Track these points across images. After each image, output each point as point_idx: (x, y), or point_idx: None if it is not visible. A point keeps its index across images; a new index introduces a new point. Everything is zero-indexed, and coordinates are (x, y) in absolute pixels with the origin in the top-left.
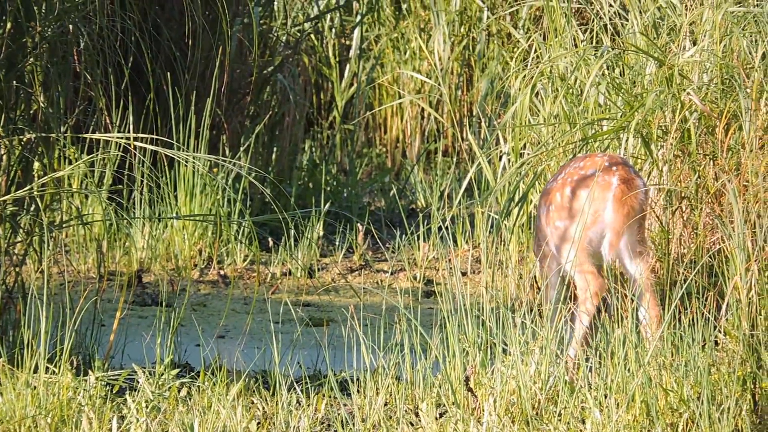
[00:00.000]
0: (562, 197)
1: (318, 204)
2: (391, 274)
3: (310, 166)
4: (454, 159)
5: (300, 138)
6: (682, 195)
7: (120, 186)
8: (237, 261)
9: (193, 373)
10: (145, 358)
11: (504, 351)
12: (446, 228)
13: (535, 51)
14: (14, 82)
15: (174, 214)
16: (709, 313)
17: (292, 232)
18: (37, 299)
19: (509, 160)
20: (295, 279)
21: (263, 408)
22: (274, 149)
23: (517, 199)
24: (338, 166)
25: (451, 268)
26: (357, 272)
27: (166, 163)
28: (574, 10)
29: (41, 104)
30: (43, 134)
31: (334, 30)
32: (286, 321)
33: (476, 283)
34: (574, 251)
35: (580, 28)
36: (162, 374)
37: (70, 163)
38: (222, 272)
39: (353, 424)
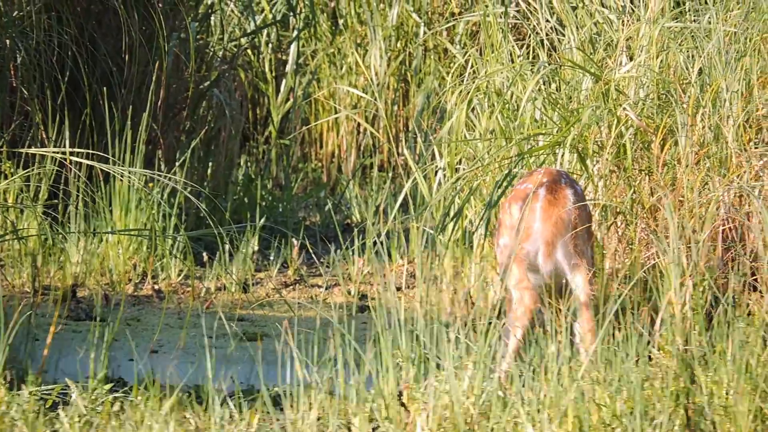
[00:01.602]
0: (510, 216)
1: (253, 219)
2: (326, 288)
3: (245, 181)
4: (390, 174)
5: (236, 153)
6: (618, 210)
7: (55, 200)
8: (171, 276)
9: (126, 388)
10: (78, 372)
11: (437, 366)
12: (381, 243)
13: (472, 66)
14: None
15: (109, 229)
16: (643, 328)
17: (227, 246)
18: None
19: (445, 175)
20: (230, 294)
21: (196, 423)
22: (210, 164)
23: (452, 214)
24: (274, 181)
25: (385, 283)
26: (291, 287)
27: (101, 178)
28: (510, 26)
29: None
30: None
31: (270, 45)
32: (220, 336)
33: (410, 298)
34: (511, 267)
35: (517, 44)
36: (95, 389)
37: (6, 177)
38: (156, 287)
39: None
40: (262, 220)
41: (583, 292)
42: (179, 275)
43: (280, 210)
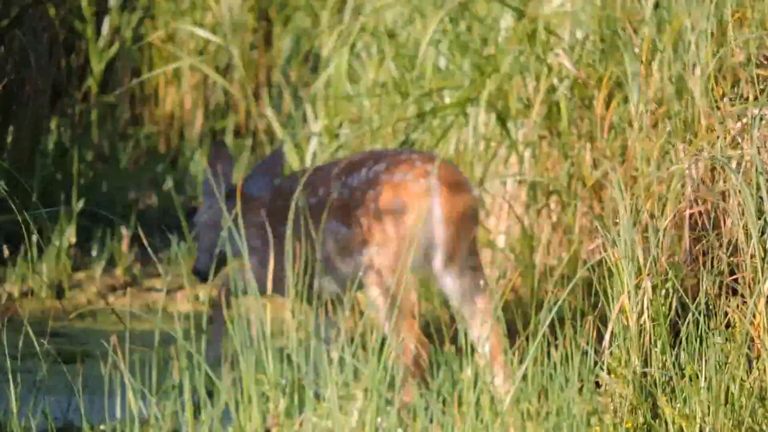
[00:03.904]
0: (368, 211)
1: (69, 201)
2: (166, 293)
3: (57, 152)
4: (249, 142)
5: (44, 114)
6: (551, 189)
7: None
8: None
9: None
10: None
11: (316, 395)
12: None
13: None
14: None
15: None
16: (587, 344)
17: (35, 238)
18: None
19: (321, 143)
20: (39, 300)
21: None
22: (10, 129)
23: None
24: (95, 151)
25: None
26: (121, 291)
27: None
28: None
29: None
30: None
31: None
32: (28, 356)
33: (279, 306)
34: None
35: None
36: None
37: None
38: None
39: None
40: (81, 203)
41: (486, 298)
42: None
43: (105, 189)
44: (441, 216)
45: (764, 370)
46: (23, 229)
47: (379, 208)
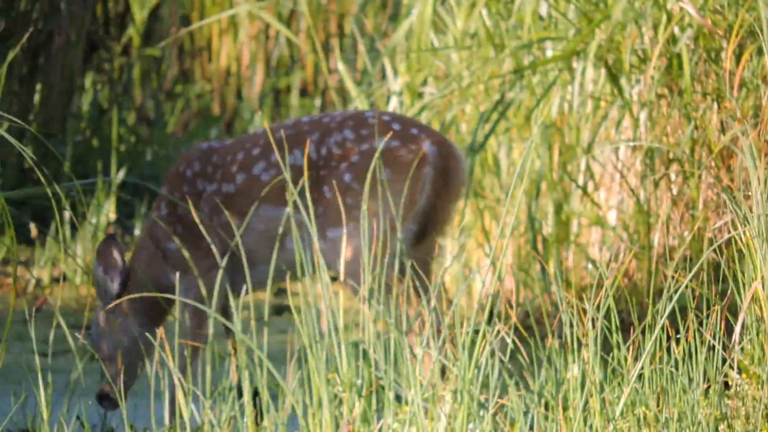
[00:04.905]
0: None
1: (107, 172)
2: None
3: (94, 114)
4: (318, 101)
5: (78, 70)
6: (670, 156)
7: None
8: None
9: None
10: None
11: (397, 398)
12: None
13: None
14: None
15: None
16: (714, 338)
17: (68, 214)
18: None
19: (402, 103)
20: (73, 288)
21: None
22: (38, 87)
23: None
24: (138, 112)
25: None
26: None
27: None
28: None
29: None
30: None
31: None
32: (60, 353)
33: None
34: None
35: None
36: None
37: None
38: None
39: None
40: (121, 174)
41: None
42: None
43: (149, 158)
44: (433, 183)
45: None
46: (53, 205)
47: (357, 182)
